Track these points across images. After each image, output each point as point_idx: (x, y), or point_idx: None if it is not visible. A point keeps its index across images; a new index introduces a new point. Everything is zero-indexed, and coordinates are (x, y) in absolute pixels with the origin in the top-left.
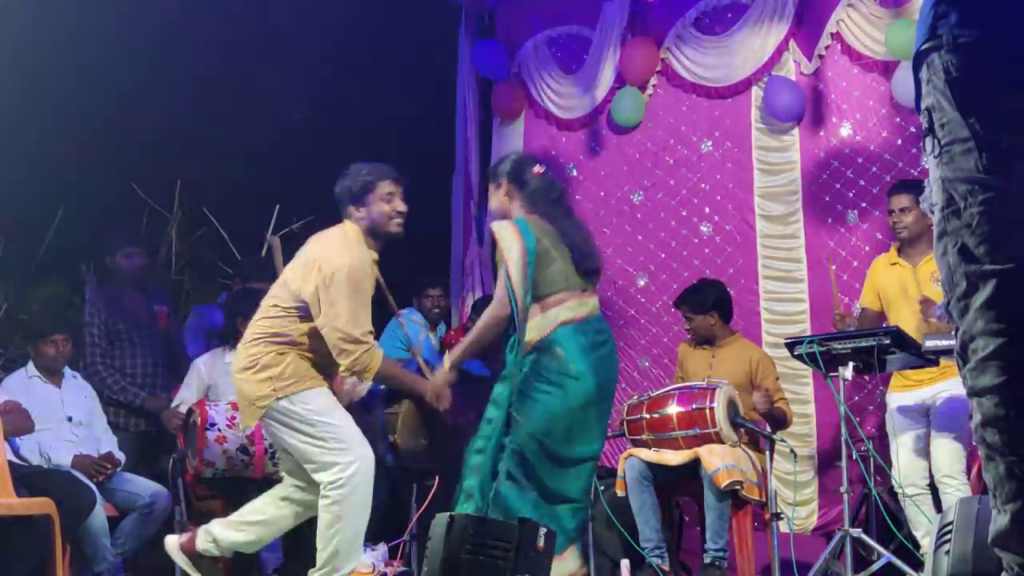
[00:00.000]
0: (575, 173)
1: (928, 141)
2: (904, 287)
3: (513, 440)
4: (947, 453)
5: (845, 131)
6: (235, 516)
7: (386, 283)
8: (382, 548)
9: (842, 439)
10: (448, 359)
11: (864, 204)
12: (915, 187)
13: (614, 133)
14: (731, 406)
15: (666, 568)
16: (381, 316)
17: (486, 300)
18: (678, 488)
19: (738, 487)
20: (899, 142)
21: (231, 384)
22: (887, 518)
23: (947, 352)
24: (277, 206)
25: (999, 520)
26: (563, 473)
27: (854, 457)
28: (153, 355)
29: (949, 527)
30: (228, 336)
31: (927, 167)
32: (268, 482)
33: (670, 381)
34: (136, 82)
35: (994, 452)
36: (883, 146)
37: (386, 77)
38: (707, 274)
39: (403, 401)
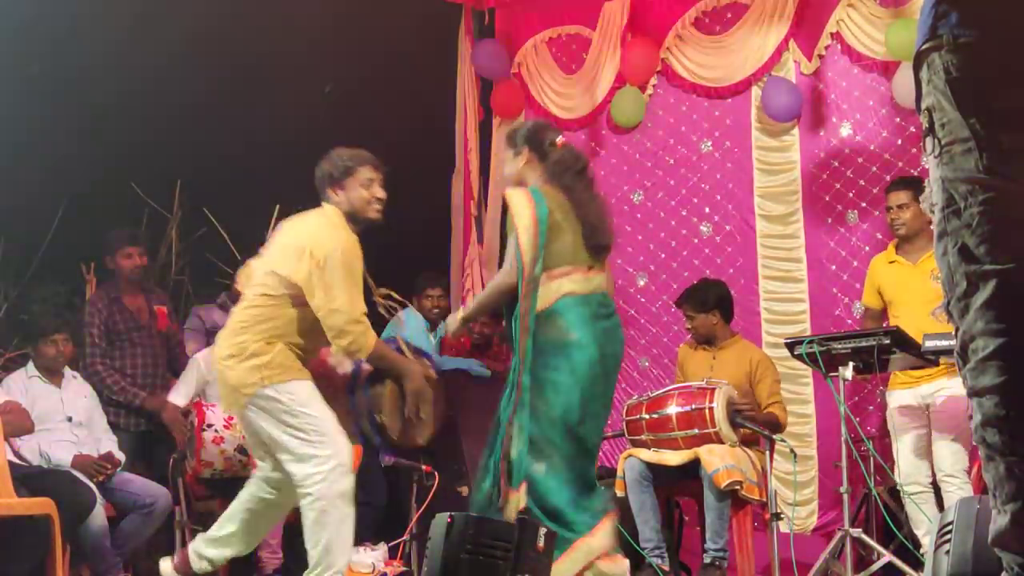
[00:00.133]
0: None
1: (928, 141)
2: (904, 285)
3: (539, 429)
4: (948, 453)
5: (845, 131)
6: (214, 530)
7: (386, 283)
8: (382, 548)
9: (842, 439)
10: (459, 314)
11: (864, 204)
12: (913, 183)
13: (614, 133)
14: (731, 406)
15: (666, 568)
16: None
17: None
18: (678, 488)
19: (738, 487)
20: (899, 142)
21: None
22: (887, 518)
23: (947, 352)
24: (277, 206)
25: (999, 520)
26: (590, 458)
27: (854, 457)
28: (153, 355)
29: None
30: None
31: (927, 167)
32: None
33: (670, 381)
34: (136, 82)
35: (994, 452)
36: (883, 146)
37: (386, 77)
38: (707, 274)
39: (387, 380)
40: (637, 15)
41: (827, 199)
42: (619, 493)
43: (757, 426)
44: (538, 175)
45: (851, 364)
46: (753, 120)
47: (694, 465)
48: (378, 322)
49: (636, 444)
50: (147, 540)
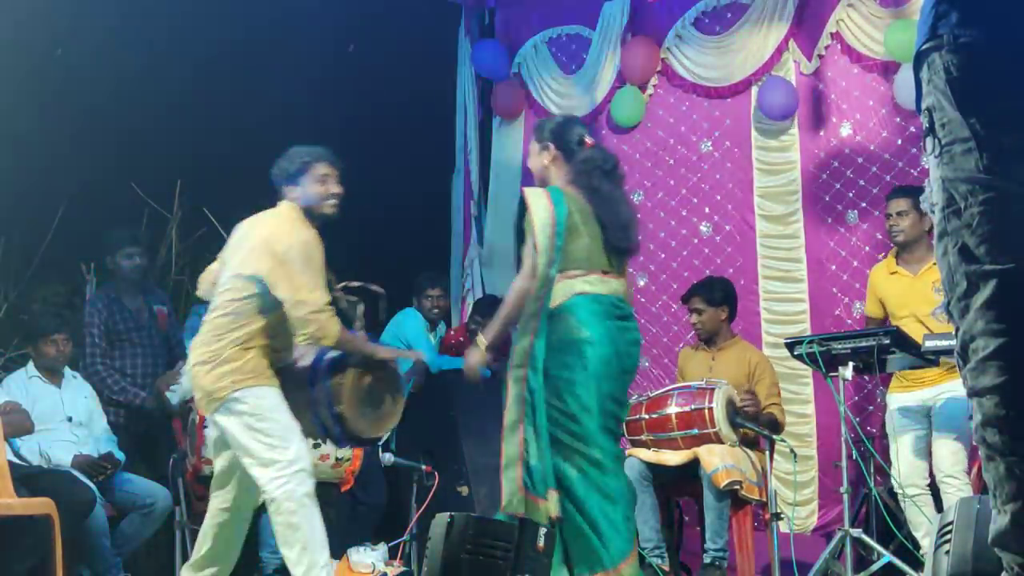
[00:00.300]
0: None
1: (929, 141)
2: (906, 297)
3: (561, 431)
4: (948, 453)
5: (845, 131)
6: (193, 555)
7: (386, 283)
8: (382, 548)
9: (842, 439)
10: (482, 339)
11: (864, 204)
12: (912, 191)
13: (614, 133)
14: (730, 406)
15: (666, 568)
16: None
17: (487, 300)
18: (678, 488)
19: (737, 487)
20: (899, 142)
21: None
22: (887, 518)
23: (947, 352)
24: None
25: (999, 520)
26: (612, 460)
27: (854, 457)
28: (153, 355)
29: (949, 527)
30: None
31: (927, 167)
32: None
33: (670, 381)
34: (136, 81)
35: (994, 452)
36: (883, 146)
37: (386, 77)
38: (707, 274)
39: (347, 371)
40: (637, 15)
41: (827, 199)
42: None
43: (757, 426)
44: (563, 175)
45: (851, 364)
46: (753, 120)
47: (694, 465)
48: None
49: (636, 444)
50: (147, 540)
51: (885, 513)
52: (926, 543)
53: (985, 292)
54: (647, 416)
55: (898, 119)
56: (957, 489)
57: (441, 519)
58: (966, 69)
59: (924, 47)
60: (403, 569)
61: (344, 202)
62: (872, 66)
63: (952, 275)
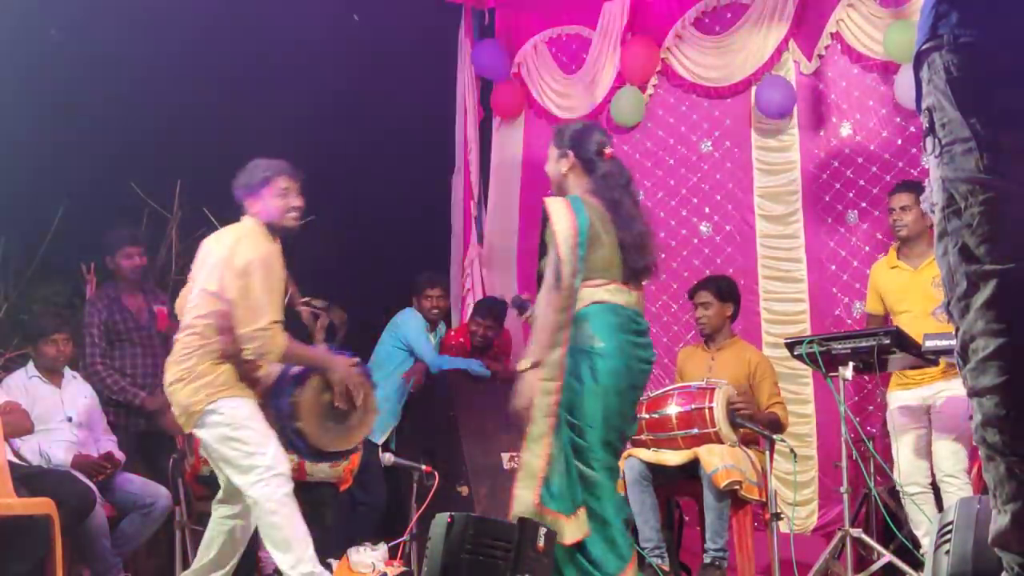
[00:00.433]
0: None
1: (929, 141)
2: (906, 292)
3: (579, 442)
4: (949, 453)
5: (845, 131)
6: (197, 563)
7: (385, 283)
8: (382, 548)
9: (842, 439)
10: (525, 363)
11: (864, 204)
12: (915, 187)
13: (614, 133)
14: (730, 406)
15: (666, 568)
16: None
17: (487, 302)
18: (678, 488)
19: (737, 487)
20: (899, 142)
21: None
22: (887, 518)
23: (947, 352)
24: None
25: (999, 520)
26: (609, 488)
27: (854, 457)
28: (153, 355)
29: (949, 527)
30: None
31: (927, 167)
32: None
33: (670, 381)
34: (137, 82)
35: (994, 452)
36: (883, 146)
37: (386, 77)
38: (707, 274)
39: (307, 386)
40: (637, 15)
41: (827, 199)
42: (619, 493)
43: (757, 426)
44: (582, 184)
45: (851, 364)
46: (753, 120)
47: (694, 465)
48: (302, 330)
49: (636, 444)
50: (147, 540)
51: (885, 513)
52: (926, 542)
53: (985, 292)
54: (647, 416)
55: (898, 119)
56: (958, 489)
57: (441, 519)
58: (966, 69)
59: (924, 47)
60: (403, 569)
61: (344, 202)
62: (872, 66)
63: (952, 275)
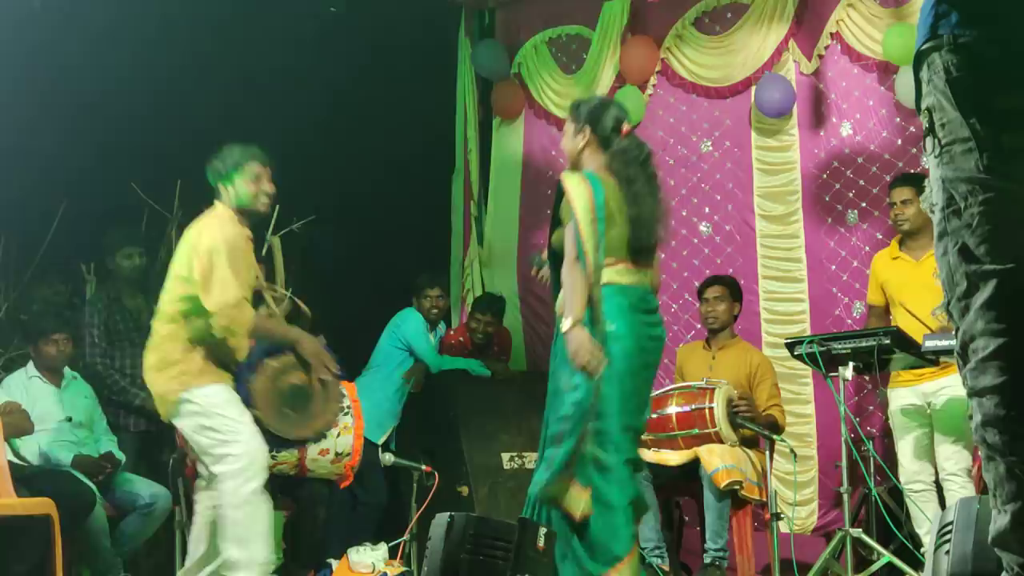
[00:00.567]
0: None
1: (929, 141)
2: (907, 283)
3: (597, 426)
4: (951, 452)
5: (845, 131)
6: (190, 562)
7: (385, 283)
8: (382, 548)
9: (842, 439)
10: (568, 320)
11: (864, 204)
12: (916, 180)
13: None
14: (731, 406)
15: (666, 568)
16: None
17: (486, 298)
18: (678, 488)
19: (737, 487)
20: (899, 142)
21: None
22: (887, 518)
23: (947, 352)
24: (277, 206)
25: (999, 520)
26: (624, 475)
27: (854, 457)
28: None
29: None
30: None
31: (927, 167)
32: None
33: (670, 381)
34: (136, 82)
35: (994, 452)
36: (883, 146)
37: (386, 77)
38: (707, 274)
39: (264, 372)
40: (637, 15)
41: (827, 199)
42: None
43: (757, 426)
44: (597, 160)
45: (851, 364)
46: (753, 120)
47: (694, 465)
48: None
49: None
50: (147, 540)
51: (885, 513)
52: (928, 541)
53: (985, 292)
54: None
55: (898, 119)
56: (960, 488)
57: (441, 519)
58: (966, 69)
59: (924, 47)
60: (403, 569)
61: (344, 202)
62: (872, 66)
63: (952, 275)
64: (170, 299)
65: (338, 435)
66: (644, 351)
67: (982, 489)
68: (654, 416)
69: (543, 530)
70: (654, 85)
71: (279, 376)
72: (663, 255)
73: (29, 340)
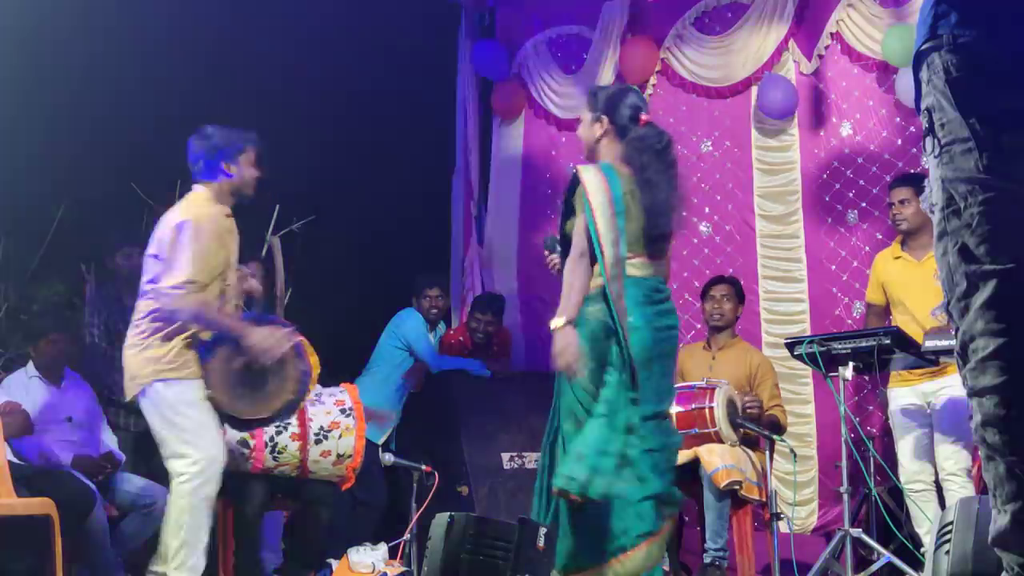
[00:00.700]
0: None
1: (928, 141)
2: (908, 283)
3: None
4: (951, 452)
5: (845, 131)
6: (163, 549)
7: (386, 283)
8: (382, 548)
9: (842, 439)
10: (558, 321)
11: (864, 204)
12: (915, 180)
13: None
14: (730, 406)
15: (666, 568)
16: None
17: (485, 297)
18: (678, 487)
19: (737, 487)
20: (899, 142)
21: None
22: (887, 518)
23: (947, 352)
24: (277, 206)
25: (999, 520)
26: (643, 465)
27: (854, 457)
28: None
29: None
30: None
31: (927, 167)
32: (268, 476)
33: None
34: (136, 81)
35: (994, 452)
36: (883, 146)
37: (386, 77)
38: (707, 274)
39: (216, 354)
40: (637, 15)
41: (827, 199)
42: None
43: (757, 427)
44: (614, 150)
45: (851, 364)
46: (753, 120)
47: (694, 465)
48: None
49: None
50: (147, 540)
51: (885, 513)
52: (928, 541)
53: (985, 292)
54: None
55: (898, 119)
56: (959, 488)
57: (441, 519)
58: (966, 69)
59: (924, 47)
60: (403, 569)
61: (344, 202)
62: (872, 66)
63: (952, 275)
64: (147, 277)
65: (340, 436)
66: (660, 341)
67: (982, 489)
68: None
69: (543, 530)
70: (654, 85)
71: (233, 357)
72: (682, 229)
73: (29, 340)
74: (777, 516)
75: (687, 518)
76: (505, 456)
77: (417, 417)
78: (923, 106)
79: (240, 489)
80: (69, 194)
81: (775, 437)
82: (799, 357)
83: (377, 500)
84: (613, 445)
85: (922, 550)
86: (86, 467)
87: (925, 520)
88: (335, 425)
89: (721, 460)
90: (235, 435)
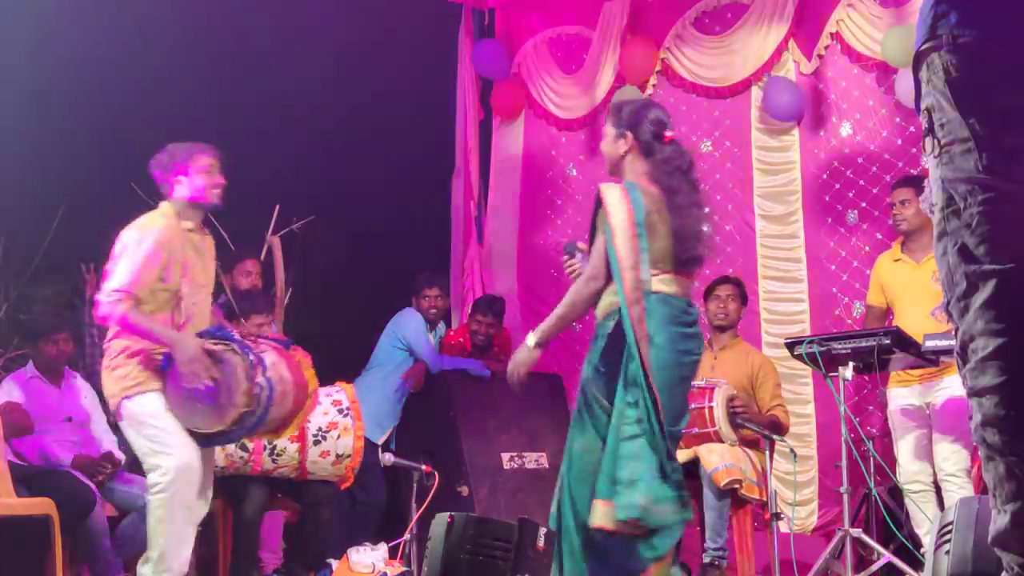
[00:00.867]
0: (575, 173)
1: (928, 141)
2: (908, 285)
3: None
4: (950, 452)
5: (845, 131)
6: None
7: (386, 283)
8: (382, 548)
9: (842, 439)
10: (533, 337)
11: (864, 204)
12: (916, 181)
13: None
14: (730, 405)
15: None
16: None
17: (486, 299)
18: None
19: (737, 486)
20: (899, 142)
21: None
22: (887, 518)
23: (947, 352)
24: (277, 206)
25: (999, 520)
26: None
27: (854, 457)
28: None
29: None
30: None
31: (927, 167)
32: (267, 479)
33: None
34: (136, 82)
35: (994, 452)
36: (883, 146)
37: (386, 77)
38: (707, 274)
39: (174, 367)
40: (637, 15)
41: (827, 199)
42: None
43: (758, 427)
44: (639, 167)
45: (851, 364)
46: (753, 120)
47: (694, 464)
48: None
49: None
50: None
51: (885, 513)
52: (928, 541)
53: (985, 292)
54: None
55: (898, 119)
56: (959, 488)
57: (441, 519)
58: (965, 69)
59: (923, 47)
60: (403, 569)
61: (344, 202)
62: (872, 66)
63: (952, 275)
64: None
65: (338, 437)
66: (681, 365)
67: (982, 489)
68: None
69: (543, 530)
70: (654, 85)
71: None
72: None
73: (29, 340)
74: (777, 516)
75: None
76: (505, 456)
77: (417, 417)
78: (923, 106)
79: (239, 491)
80: (69, 194)
81: (775, 437)
82: (799, 357)
83: (376, 500)
84: (664, 468)
85: (922, 550)
86: (86, 467)
87: (925, 520)
88: (333, 425)
89: (721, 459)
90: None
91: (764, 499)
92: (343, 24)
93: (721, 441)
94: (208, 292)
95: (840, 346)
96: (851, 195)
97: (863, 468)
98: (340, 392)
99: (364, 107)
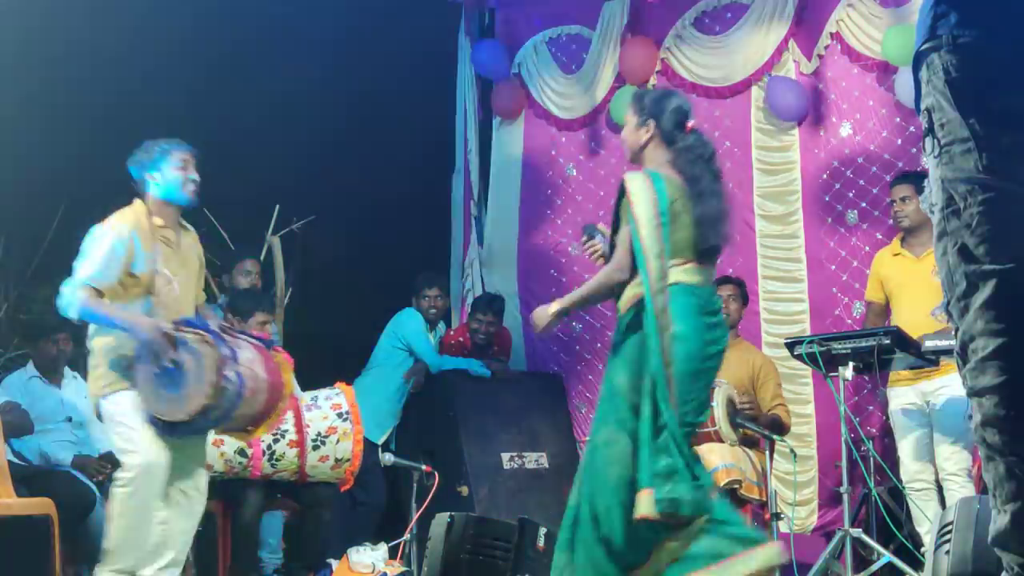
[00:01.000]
0: (575, 173)
1: (928, 141)
2: (907, 280)
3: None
4: (950, 452)
5: (845, 131)
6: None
7: (386, 283)
8: (382, 548)
9: (842, 439)
10: (557, 304)
11: (864, 204)
12: (916, 177)
13: (614, 133)
14: (730, 405)
15: None
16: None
17: (486, 298)
18: None
19: (737, 486)
20: (899, 142)
21: None
22: (887, 518)
23: (947, 352)
24: (277, 206)
25: (999, 520)
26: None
27: (854, 457)
28: None
29: (949, 527)
30: None
31: (927, 167)
32: (267, 482)
33: None
34: (136, 81)
35: (994, 452)
36: (883, 146)
37: (386, 77)
38: None
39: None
40: (637, 15)
41: (827, 199)
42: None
43: (758, 427)
44: (660, 156)
45: (851, 364)
46: (753, 120)
47: None
48: None
49: None
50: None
51: (885, 513)
52: (928, 540)
53: (985, 292)
54: None
55: (898, 119)
56: (959, 488)
57: (441, 519)
58: (965, 69)
59: (923, 47)
60: (403, 569)
61: (344, 202)
62: (872, 66)
63: (952, 275)
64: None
65: (337, 441)
66: (705, 356)
67: (982, 489)
68: None
69: (543, 530)
70: (654, 85)
71: (155, 357)
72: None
73: (29, 340)
74: (777, 516)
75: None
76: (505, 456)
77: (417, 417)
78: (923, 106)
79: (237, 494)
80: (69, 194)
81: (776, 437)
82: (799, 357)
83: (376, 500)
84: (694, 458)
85: (922, 550)
86: (86, 467)
87: (925, 520)
88: (332, 430)
89: (720, 459)
90: (232, 445)
91: (764, 499)
92: (343, 24)
93: (721, 441)
94: (190, 284)
95: (840, 346)
96: (851, 195)
97: (863, 468)
98: (339, 395)
99: (364, 107)
